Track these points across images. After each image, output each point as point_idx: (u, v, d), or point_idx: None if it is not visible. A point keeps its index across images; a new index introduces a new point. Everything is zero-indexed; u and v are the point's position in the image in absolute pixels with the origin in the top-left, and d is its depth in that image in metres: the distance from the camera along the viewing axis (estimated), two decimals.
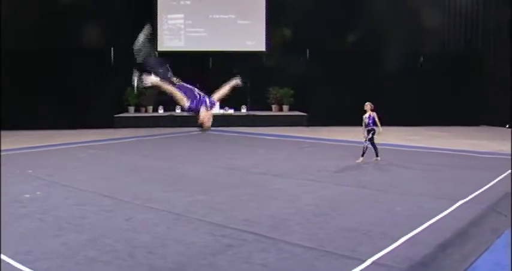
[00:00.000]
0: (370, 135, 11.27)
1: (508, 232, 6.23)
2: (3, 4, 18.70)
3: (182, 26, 21.99)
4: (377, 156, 11.40)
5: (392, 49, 20.06)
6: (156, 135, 17.15)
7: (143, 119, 20.65)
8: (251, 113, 20.83)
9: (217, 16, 21.96)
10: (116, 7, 20.82)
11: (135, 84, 6.20)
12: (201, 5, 21.91)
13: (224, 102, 20.62)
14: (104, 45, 19.97)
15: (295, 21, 21.73)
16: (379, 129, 11.33)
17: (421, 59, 20.43)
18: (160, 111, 21.26)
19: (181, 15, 21.95)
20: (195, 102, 6.33)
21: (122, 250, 5.30)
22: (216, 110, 20.69)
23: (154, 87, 6.63)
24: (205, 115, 6.37)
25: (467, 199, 7.53)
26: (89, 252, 5.23)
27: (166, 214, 6.76)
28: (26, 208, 7.04)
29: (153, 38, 6.48)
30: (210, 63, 21.91)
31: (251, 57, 21.59)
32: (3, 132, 15.72)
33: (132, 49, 19.90)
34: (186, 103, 6.24)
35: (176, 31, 22.02)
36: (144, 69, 6.52)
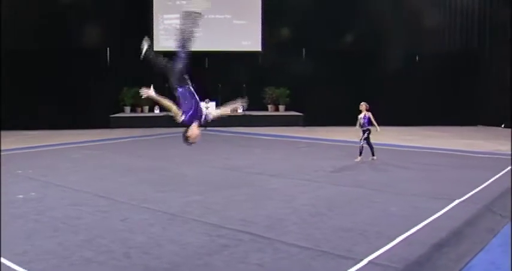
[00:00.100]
0: (366, 135, 11.29)
1: (503, 231, 6.26)
2: (3, 4, 18.66)
3: (178, 26, 21.94)
4: (373, 155, 11.41)
5: (389, 49, 20.09)
6: (152, 135, 17.14)
7: (139, 119, 20.62)
8: (247, 113, 20.81)
9: (213, 16, 21.93)
10: (112, 7, 20.78)
11: (143, 52, 6.12)
12: (197, 5, 21.88)
13: (221, 102, 20.65)
14: (100, 45, 19.93)
15: (291, 21, 21.75)
16: (376, 128, 11.34)
17: (417, 58, 20.45)
18: (156, 111, 21.23)
19: (177, 15, 21.88)
20: (188, 115, 6.27)
21: (117, 251, 5.28)
22: (212, 110, 20.70)
23: (150, 99, 6.64)
24: (195, 133, 6.19)
25: (463, 199, 7.54)
26: (84, 253, 5.21)
27: (162, 215, 6.75)
28: (21, 209, 7.01)
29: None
30: (206, 63, 21.89)
31: (247, 57, 21.58)
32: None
33: (128, 49, 19.93)
34: (180, 118, 6.20)
35: (172, 31, 21.83)
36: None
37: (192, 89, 6.45)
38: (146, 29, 21.65)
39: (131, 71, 20.26)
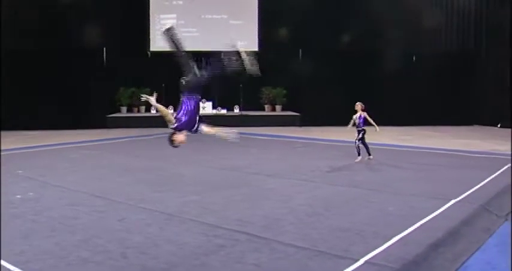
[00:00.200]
0: (361, 135, 11.29)
1: (499, 231, 6.29)
2: (3, 4, 18.63)
3: (175, 26, 21.93)
4: (369, 154, 11.43)
5: (385, 49, 20.13)
6: (149, 136, 17.11)
7: (136, 119, 20.62)
8: (244, 113, 20.82)
9: (210, 16, 21.95)
10: (108, 7, 20.77)
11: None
12: (194, 5, 21.89)
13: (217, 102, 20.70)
14: (96, 45, 19.90)
15: (288, 21, 21.79)
16: (376, 128, 11.35)
17: (413, 58, 20.48)
18: (153, 111, 21.20)
19: (174, 15, 21.93)
20: (182, 123, 6.67)
21: (114, 251, 5.28)
22: (209, 110, 20.78)
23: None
24: (180, 139, 6.75)
25: (459, 198, 7.55)
26: (81, 253, 5.21)
27: (159, 215, 6.75)
28: (18, 209, 7.00)
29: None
30: (203, 63, 21.84)
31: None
32: None
33: (124, 49, 19.91)
34: (172, 125, 6.64)
35: None
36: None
37: (198, 102, 6.48)
38: (143, 29, 21.68)
39: (127, 71, 20.29)
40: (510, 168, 10.21)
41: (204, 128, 6.81)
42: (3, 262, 4.89)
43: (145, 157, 12.41)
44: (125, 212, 6.89)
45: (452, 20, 21.36)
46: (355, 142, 11.34)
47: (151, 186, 8.65)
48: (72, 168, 10.67)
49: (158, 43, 21.96)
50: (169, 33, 6.53)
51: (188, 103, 6.59)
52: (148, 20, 21.83)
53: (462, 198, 7.59)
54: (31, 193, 8.04)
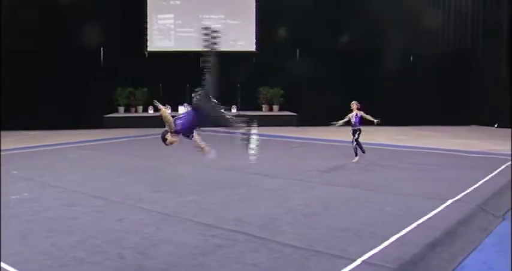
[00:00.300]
0: (356, 136, 11.26)
1: (496, 231, 6.30)
2: (3, 4, 18.62)
3: (172, 26, 21.97)
4: (363, 152, 11.38)
5: (383, 49, 20.16)
6: (147, 136, 17.08)
7: (133, 119, 20.59)
8: (241, 112, 20.81)
9: (207, 16, 21.92)
10: (107, 7, 20.76)
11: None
12: (191, 5, 21.88)
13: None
14: (94, 45, 19.89)
15: (286, 21, 21.79)
16: (374, 120, 11.31)
17: (411, 58, 20.51)
18: (150, 111, 21.21)
19: (171, 15, 21.92)
20: (181, 128, 6.97)
21: (112, 251, 5.28)
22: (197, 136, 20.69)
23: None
24: (173, 140, 7.09)
25: (456, 198, 7.57)
26: (78, 253, 5.21)
27: (157, 215, 6.75)
28: (15, 209, 6.99)
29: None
30: (200, 63, 21.83)
31: (241, 57, 21.57)
32: None
33: (122, 49, 19.90)
34: (171, 129, 6.90)
35: (166, 31, 21.98)
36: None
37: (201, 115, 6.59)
38: (140, 29, 21.67)
39: (125, 71, 20.26)
40: (507, 168, 10.25)
41: (196, 137, 6.81)
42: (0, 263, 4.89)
43: (143, 157, 12.41)
44: (123, 212, 6.89)
45: (450, 20, 21.38)
46: (353, 142, 11.33)
47: (149, 186, 8.65)
48: (70, 168, 10.66)
49: (156, 43, 21.98)
50: (208, 31, 6.62)
51: (192, 113, 6.64)
52: (146, 20, 21.80)
53: (459, 198, 7.61)
54: (28, 194, 8.03)
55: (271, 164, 11.09)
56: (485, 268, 5.11)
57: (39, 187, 8.58)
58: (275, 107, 22.09)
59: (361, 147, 11.38)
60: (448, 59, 20.59)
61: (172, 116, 6.85)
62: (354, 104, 11.38)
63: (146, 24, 21.80)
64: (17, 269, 4.77)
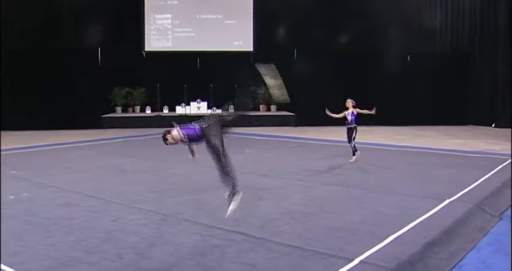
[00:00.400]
0: (354, 134, 11.25)
1: (494, 230, 6.32)
2: (3, 4, 18.63)
3: (170, 26, 21.96)
4: (356, 150, 11.37)
5: (381, 49, 20.17)
6: (144, 136, 17.09)
7: (131, 119, 20.59)
8: (239, 112, 20.77)
9: (205, 16, 21.93)
10: (105, 7, 20.77)
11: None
12: (189, 4, 21.88)
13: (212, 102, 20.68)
14: (91, 45, 19.86)
15: (283, 21, 21.81)
16: (372, 111, 11.30)
17: (408, 58, 20.52)
18: (148, 111, 21.20)
19: (169, 15, 21.91)
20: (186, 136, 6.66)
21: (110, 251, 5.27)
22: (204, 110, 20.80)
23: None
24: (171, 142, 6.82)
25: (454, 198, 7.58)
26: (76, 253, 5.20)
27: (154, 215, 6.74)
28: (12, 210, 6.98)
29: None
30: (198, 63, 21.88)
31: (239, 57, 21.58)
32: None
33: (119, 49, 19.89)
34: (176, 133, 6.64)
35: (164, 31, 21.98)
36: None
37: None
38: (138, 29, 21.66)
39: (122, 71, 20.23)
40: (504, 168, 10.28)
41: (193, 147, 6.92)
42: None
43: (140, 157, 12.40)
44: (120, 212, 6.88)
45: (447, 20, 21.40)
46: (351, 141, 11.29)
47: (146, 186, 8.64)
48: (68, 168, 10.65)
49: (153, 43, 21.97)
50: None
51: (199, 127, 6.61)
52: (143, 19, 21.79)
53: (457, 198, 7.62)
54: (26, 194, 8.02)
55: (269, 164, 11.10)
56: (483, 268, 5.11)
57: (36, 188, 8.57)
58: (273, 107, 22.10)
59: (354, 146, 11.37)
60: (445, 59, 20.63)
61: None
62: (349, 102, 11.32)
63: (144, 24, 21.78)
64: (15, 269, 4.76)
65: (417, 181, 9.10)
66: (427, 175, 9.66)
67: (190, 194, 7.98)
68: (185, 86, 20.31)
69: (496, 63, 19.78)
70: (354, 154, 11.30)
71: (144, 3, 21.72)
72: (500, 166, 10.44)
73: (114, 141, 15.96)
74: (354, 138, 11.25)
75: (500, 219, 6.84)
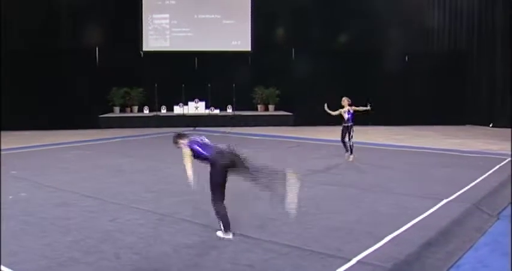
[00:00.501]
0: (352, 133, 11.24)
1: (491, 230, 6.32)
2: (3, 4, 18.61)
3: (167, 26, 21.95)
4: (347, 152, 11.35)
5: (379, 49, 20.18)
6: (142, 136, 17.09)
7: (129, 119, 20.57)
8: (237, 112, 20.81)
9: (203, 16, 21.92)
10: (103, 7, 20.76)
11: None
12: (187, 4, 21.86)
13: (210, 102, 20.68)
14: (89, 45, 19.83)
15: (281, 21, 21.81)
16: (368, 108, 11.30)
17: (406, 58, 20.52)
18: (146, 111, 21.18)
19: (167, 15, 21.89)
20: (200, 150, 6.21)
21: (107, 251, 5.27)
22: (202, 110, 20.79)
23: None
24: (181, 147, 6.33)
25: (451, 198, 7.59)
26: (73, 253, 5.20)
27: (152, 215, 6.74)
28: (10, 210, 6.97)
29: None
30: (196, 63, 21.87)
31: (237, 57, 21.58)
32: None
33: (117, 48, 19.86)
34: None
35: (161, 31, 21.96)
36: None
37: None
38: (136, 29, 21.65)
39: (120, 71, 20.22)
40: (502, 168, 10.30)
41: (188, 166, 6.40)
42: None
43: (138, 157, 12.38)
44: (118, 212, 6.88)
45: (445, 20, 21.42)
46: (349, 140, 11.28)
47: (144, 186, 8.64)
48: (65, 168, 10.63)
49: (151, 43, 21.95)
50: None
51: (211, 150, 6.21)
52: (141, 19, 21.77)
53: (454, 198, 7.63)
54: (23, 194, 8.01)
55: (267, 164, 11.06)
56: (480, 267, 5.12)
57: (33, 188, 8.56)
58: (271, 107, 22.11)
59: (345, 147, 11.32)
60: (443, 59, 20.64)
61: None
62: (345, 100, 11.33)
63: (142, 24, 21.77)
64: (12, 270, 4.75)
65: (415, 181, 9.11)
66: (425, 175, 9.67)
67: (188, 194, 7.95)
68: (183, 85, 20.30)
69: (494, 63, 19.80)
70: (351, 153, 11.30)
71: (141, 3, 21.70)
72: (497, 166, 10.46)
73: (112, 141, 15.95)
74: (352, 137, 11.25)
75: (498, 218, 6.85)
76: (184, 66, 21.43)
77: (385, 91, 19.83)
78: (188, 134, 6.36)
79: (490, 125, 19.56)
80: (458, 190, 8.06)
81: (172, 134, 6.42)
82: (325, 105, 11.44)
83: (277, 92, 21.73)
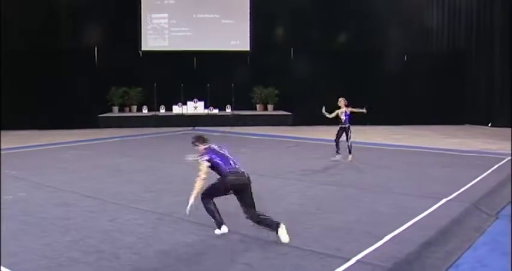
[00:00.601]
0: (350, 133, 11.23)
1: (490, 230, 6.33)
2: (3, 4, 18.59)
3: (166, 26, 21.93)
4: (337, 153, 11.34)
5: (378, 49, 20.19)
6: (141, 135, 17.08)
7: (127, 119, 20.56)
8: (236, 112, 20.81)
9: (202, 16, 21.91)
10: (102, 7, 20.75)
11: None
12: (185, 4, 21.86)
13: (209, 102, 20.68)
14: (88, 45, 19.81)
15: (280, 21, 21.81)
16: (363, 111, 11.30)
17: (405, 58, 20.53)
18: (145, 111, 21.17)
19: (166, 15, 21.88)
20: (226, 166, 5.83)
21: (107, 251, 5.27)
22: (201, 110, 20.79)
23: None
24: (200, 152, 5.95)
25: (450, 197, 7.59)
26: (72, 253, 5.19)
27: (151, 215, 6.74)
28: (9, 210, 6.96)
29: None
30: (195, 63, 21.86)
31: (236, 56, 21.58)
32: None
33: (116, 48, 19.85)
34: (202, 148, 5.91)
35: (160, 31, 21.95)
36: None
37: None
38: (135, 28, 21.64)
39: (119, 71, 20.21)
40: (501, 167, 10.32)
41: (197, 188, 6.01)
42: None
43: (137, 157, 12.37)
44: (117, 212, 6.88)
45: (443, 20, 21.44)
46: (347, 141, 11.28)
47: (143, 186, 8.63)
48: (64, 168, 10.63)
49: (150, 43, 21.94)
50: None
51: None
52: (140, 19, 21.75)
53: (453, 197, 7.64)
54: (22, 194, 8.00)
55: (266, 163, 11.10)
56: (479, 267, 5.12)
57: (32, 187, 8.55)
58: (269, 107, 22.11)
59: (337, 148, 11.31)
60: (442, 58, 20.66)
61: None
62: (341, 101, 11.32)
63: (140, 24, 21.75)
64: (11, 270, 4.74)
65: (414, 180, 9.12)
66: (424, 175, 9.68)
67: (187, 194, 7.93)
68: (182, 85, 20.28)
69: (492, 62, 19.80)
70: (350, 153, 11.30)
71: (140, 2, 21.69)
72: (496, 166, 10.47)
73: (111, 140, 15.93)
74: (350, 137, 11.25)
75: (497, 218, 6.86)
76: (183, 65, 21.42)
77: (384, 91, 19.85)
78: (208, 138, 6.09)
79: (489, 125, 19.57)
80: (458, 190, 8.07)
81: (192, 136, 6.22)
82: (323, 108, 11.42)
83: (276, 91, 21.74)
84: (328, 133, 15.34)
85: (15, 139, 15.63)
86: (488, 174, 9.65)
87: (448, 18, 21.31)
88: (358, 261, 4.93)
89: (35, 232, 5.94)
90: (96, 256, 5.13)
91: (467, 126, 19.85)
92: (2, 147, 13.45)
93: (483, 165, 10.56)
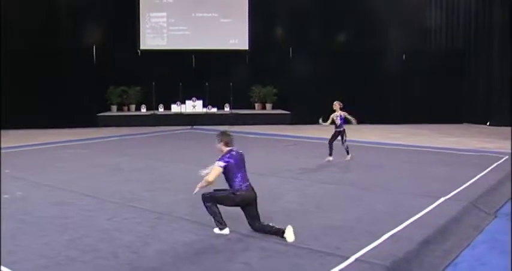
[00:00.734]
0: (345, 137, 11.23)
1: (488, 228, 6.34)
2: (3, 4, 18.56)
3: (165, 25, 21.91)
4: (330, 155, 11.30)
5: (376, 48, 20.19)
6: (139, 134, 17.06)
7: (126, 118, 20.55)
8: (234, 111, 20.80)
9: (200, 14, 21.89)
10: (101, 6, 20.74)
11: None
12: (184, 3, 21.84)
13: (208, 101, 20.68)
14: (87, 44, 19.79)
15: (279, 20, 21.81)
16: (354, 122, 11.31)
17: (403, 57, 20.54)
18: (143, 109, 21.15)
19: (164, 14, 21.86)
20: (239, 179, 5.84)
21: (105, 250, 5.26)
22: (199, 108, 20.78)
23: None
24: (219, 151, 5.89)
25: (448, 196, 7.60)
26: (70, 252, 5.19)
27: (150, 214, 6.73)
28: (7, 209, 6.95)
29: None
30: (193, 62, 21.84)
31: (234, 55, 21.57)
32: None
33: (114, 47, 19.84)
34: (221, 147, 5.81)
35: (159, 29, 21.93)
36: None
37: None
38: (133, 27, 21.63)
39: (118, 70, 20.20)
40: (499, 166, 10.34)
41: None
42: None
43: (136, 156, 12.36)
44: (116, 211, 6.87)
45: (442, 19, 21.45)
46: (343, 143, 11.27)
47: (141, 185, 8.63)
48: (62, 167, 10.61)
49: (148, 42, 21.92)
50: None
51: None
52: (139, 18, 21.73)
53: (452, 196, 7.64)
54: (20, 193, 7.99)
55: (265, 162, 11.08)
56: (478, 265, 5.13)
57: (31, 187, 8.54)
58: (268, 105, 22.10)
59: (331, 150, 11.28)
60: (441, 57, 20.67)
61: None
62: (337, 104, 11.30)
63: (139, 23, 21.73)
64: (10, 269, 4.74)
65: (412, 179, 9.12)
66: (422, 174, 9.68)
67: (186, 193, 7.94)
68: (180, 84, 20.26)
69: (491, 61, 19.80)
70: (347, 153, 11.30)
71: (139, 1, 21.65)
72: (494, 164, 10.48)
73: (110, 139, 15.92)
74: (346, 141, 11.24)
75: (495, 216, 6.87)
76: (182, 64, 21.39)
77: (383, 90, 19.85)
78: (232, 140, 5.97)
79: (487, 123, 19.59)
80: (456, 189, 8.07)
81: (218, 131, 6.05)
82: (320, 119, 11.40)
83: (274, 90, 21.73)
84: (326, 132, 15.35)
85: (14, 139, 15.59)
86: (487, 172, 9.66)
87: (447, 18, 21.32)
88: (357, 260, 4.93)
89: (33, 231, 5.94)
90: (94, 255, 5.13)
91: (465, 125, 19.86)
92: (2, 146, 13.43)
93: (481, 163, 10.58)
